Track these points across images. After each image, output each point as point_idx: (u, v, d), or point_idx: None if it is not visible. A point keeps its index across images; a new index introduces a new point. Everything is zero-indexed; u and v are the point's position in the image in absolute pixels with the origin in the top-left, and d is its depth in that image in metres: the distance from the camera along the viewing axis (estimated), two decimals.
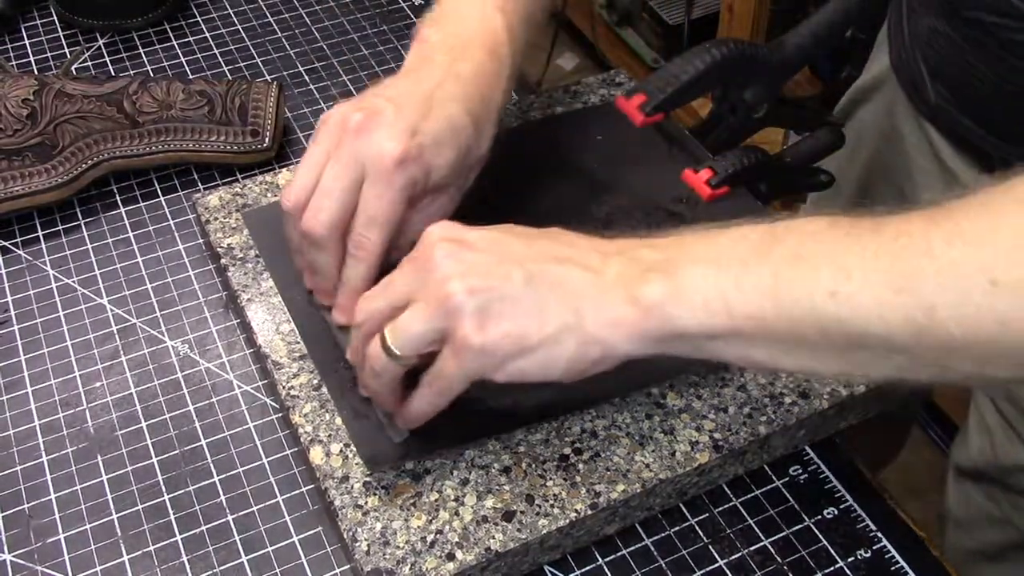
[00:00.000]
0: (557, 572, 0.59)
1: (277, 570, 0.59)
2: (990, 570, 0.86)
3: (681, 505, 0.61)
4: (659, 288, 0.49)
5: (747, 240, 0.49)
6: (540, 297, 0.50)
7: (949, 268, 0.43)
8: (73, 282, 0.74)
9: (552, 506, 0.57)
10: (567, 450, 0.60)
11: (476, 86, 0.62)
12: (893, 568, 0.59)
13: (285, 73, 0.92)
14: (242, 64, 0.93)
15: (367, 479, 0.58)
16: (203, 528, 0.60)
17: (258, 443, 0.64)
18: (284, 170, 0.77)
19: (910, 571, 0.59)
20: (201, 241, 0.77)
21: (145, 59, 0.93)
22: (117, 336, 0.71)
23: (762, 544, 0.60)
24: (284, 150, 0.84)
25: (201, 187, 0.81)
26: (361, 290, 0.59)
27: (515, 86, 0.66)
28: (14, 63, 0.92)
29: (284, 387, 0.63)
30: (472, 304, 0.50)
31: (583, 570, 0.59)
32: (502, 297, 0.50)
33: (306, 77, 0.91)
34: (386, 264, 0.60)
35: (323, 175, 0.59)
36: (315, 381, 0.63)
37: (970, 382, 0.48)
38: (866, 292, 0.45)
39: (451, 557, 0.55)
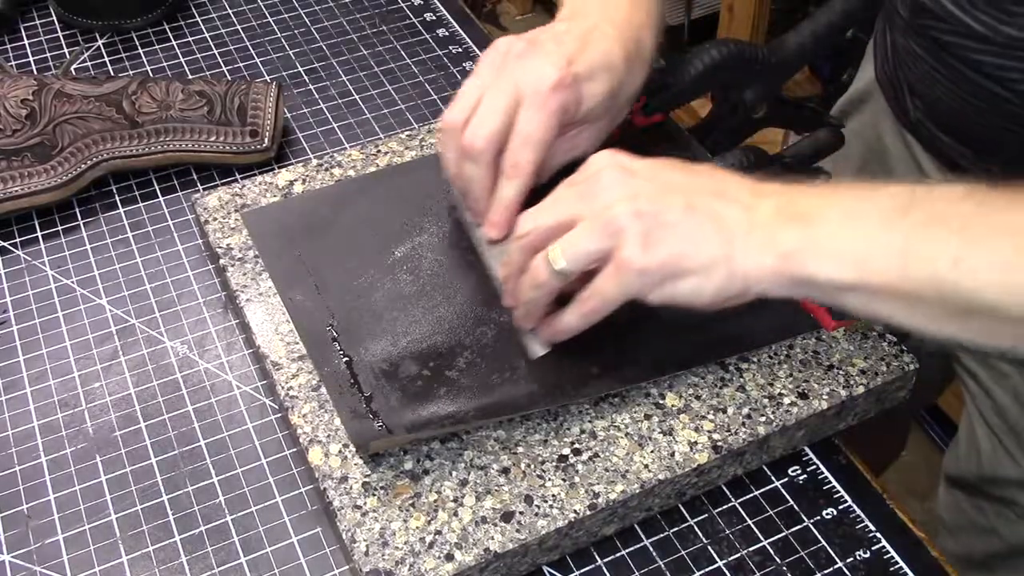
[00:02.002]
0: (556, 573, 0.59)
1: (276, 571, 0.59)
2: None
3: (680, 506, 0.61)
4: (799, 236, 0.52)
5: (889, 200, 0.51)
6: (698, 226, 0.54)
7: None
8: (72, 282, 0.74)
9: (551, 507, 0.57)
10: (566, 450, 0.60)
11: (629, 29, 0.65)
12: (892, 568, 0.59)
13: (284, 73, 0.92)
14: (241, 64, 0.93)
15: (366, 480, 0.58)
16: (202, 529, 0.60)
17: (257, 444, 0.64)
18: (283, 170, 0.77)
19: (909, 572, 0.59)
20: (200, 241, 0.77)
21: (144, 59, 0.93)
22: (116, 336, 0.71)
23: (761, 545, 0.60)
24: (283, 150, 0.84)
25: (200, 187, 0.81)
26: (513, 207, 0.64)
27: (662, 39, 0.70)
28: (13, 63, 0.92)
29: (283, 387, 0.63)
30: (637, 227, 0.53)
31: (582, 571, 0.59)
32: (664, 223, 0.53)
33: (306, 77, 0.91)
34: (535, 187, 0.64)
35: (484, 95, 0.63)
36: (314, 381, 0.63)
37: None
38: (987, 263, 0.47)
39: (450, 558, 0.55)
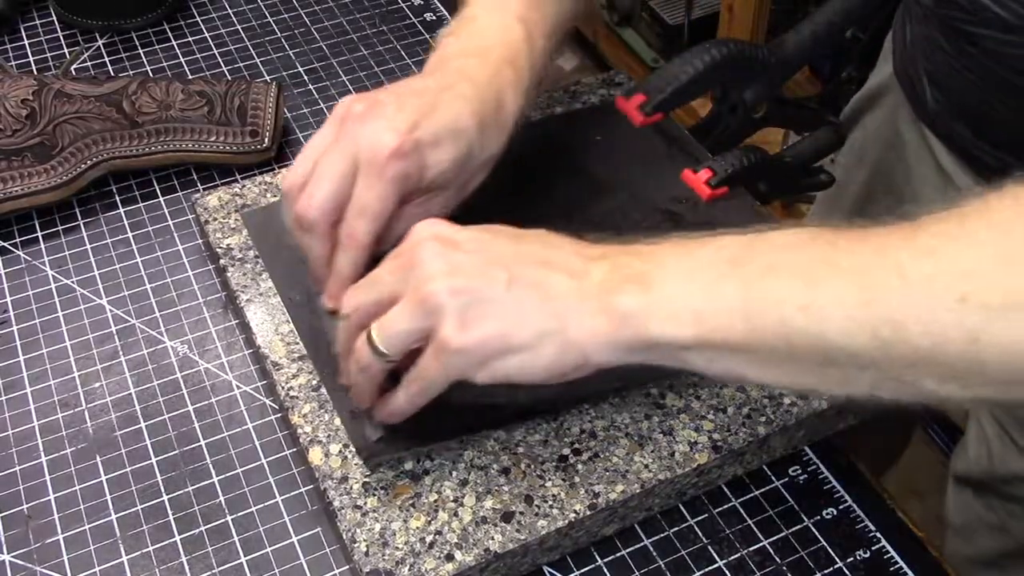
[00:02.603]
0: (556, 573, 0.59)
1: (276, 570, 0.59)
2: None
3: (680, 506, 0.61)
4: (634, 299, 0.50)
5: (724, 251, 0.50)
6: (522, 301, 0.51)
7: (918, 284, 0.44)
8: (72, 282, 0.74)
9: (551, 507, 0.57)
10: (566, 451, 0.60)
11: (489, 91, 0.62)
12: (892, 569, 0.59)
13: (284, 73, 0.92)
14: (241, 64, 0.93)
15: (366, 480, 0.58)
16: (202, 529, 0.60)
17: (257, 444, 0.64)
18: (283, 170, 0.77)
19: (909, 572, 0.59)
20: (200, 241, 0.77)
21: (144, 59, 0.93)
22: (116, 336, 0.71)
23: (761, 544, 0.60)
24: (283, 150, 0.84)
25: (200, 187, 0.81)
26: (350, 278, 0.60)
27: (538, 90, 0.66)
28: (13, 63, 0.92)
29: (283, 387, 0.63)
30: (454, 304, 0.50)
31: (582, 571, 0.59)
32: (484, 299, 0.51)
33: (305, 77, 0.91)
34: (378, 255, 0.60)
35: (320, 160, 0.59)
36: (314, 382, 0.63)
37: (942, 401, 0.49)
38: (834, 306, 0.45)
39: (450, 558, 0.55)
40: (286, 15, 0.98)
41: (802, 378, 0.49)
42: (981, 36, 0.66)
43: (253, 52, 0.94)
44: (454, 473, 0.59)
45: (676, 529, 0.61)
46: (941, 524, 0.91)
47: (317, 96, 0.89)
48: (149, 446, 0.64)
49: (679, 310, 0.49)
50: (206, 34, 0.96)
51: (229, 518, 0.61)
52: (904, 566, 0.59)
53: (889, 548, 0.60)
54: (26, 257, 0.76)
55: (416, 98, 0.60)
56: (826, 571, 0.59)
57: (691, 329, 0.48)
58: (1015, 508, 0.82)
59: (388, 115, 0.59)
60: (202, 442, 0.65)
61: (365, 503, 0.58)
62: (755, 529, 0.60)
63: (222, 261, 0.71)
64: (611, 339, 0.50)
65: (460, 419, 0.60)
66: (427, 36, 0.96)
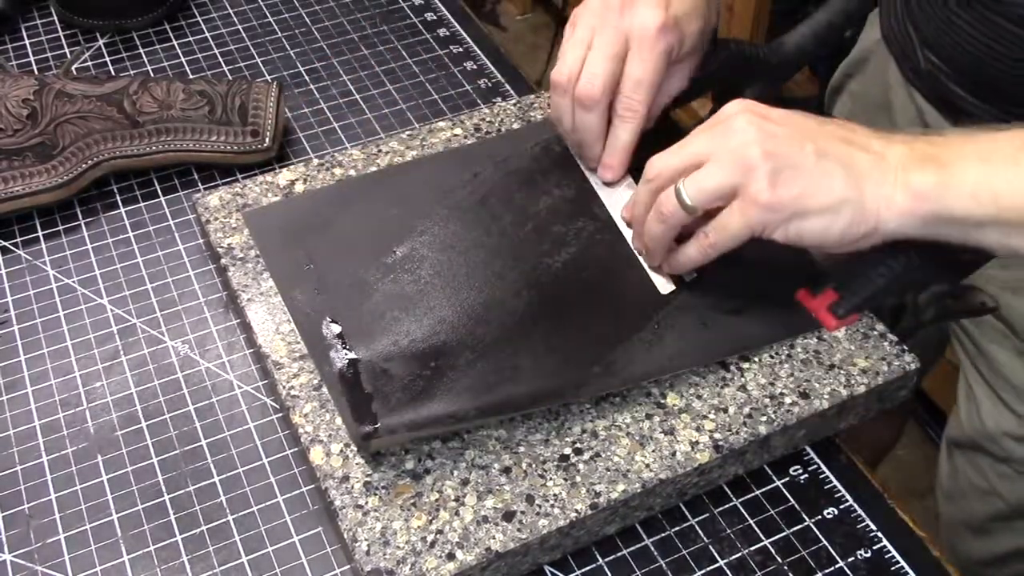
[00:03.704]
0: (557, 572, 0.59)
1: (277, 570, 0.59)
2: (977, 543, 0.87)
3: (681, 505, 0.61)
4: (932, 177, 0.55)
5: (1014, 142, 0.55)
6: (827, 169, 0.56)
7: None
8: (73, 282, 0.74)
9: (552, 506, 0.57)
10: (567, 450, 0.60)
11: None
12: (893, 568, 0.59)
13: (285, 73, 0.92)
14: (242, 64, 0.93)
15: (367, 479, 0.58)
16: (203, 528, 0.60)
17: (258, 443, 0.64)
18: (284, 170, 0.77)
19: (910, 571, 0.59)
20: (201, 241, 0.77)
21: (145, 59, 0.93)
22: (117, 336, 0.71)
23: (762, 544, 0.60)
24: (284, 150, 0.84)
25: (201, 187, 0.81)
26: (630, 149, 0.69)
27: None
28: (14, 63, 0.92)
29: (284, 387, 0.63)
30: (767, 165, 0.56)
31: (583, 570, 0.59)
32: (794, 165, 0.56)
33: (306, 77, 0.91)
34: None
35: (592, 47, 0.67)
36: (315, 381, 0.63)
37: None
38: None
39: (451, 557, 0.55)
40: (287, 15, 0.99)
41: None
42: None
43: (254, 52, 0.94)
44: (455, 472, 0.59)
45: (677, 528, 0.61)
46: (940, 520, 0.92)
47: (318, 96, 0.89)
48: (150, 446, 0.64)
49: (977, 189, 0.54)
50: (207, 34, 0.96)
51: (230, 518, 0.61)
52: (905, 566, 0.59)
53: (890, 548, 0.60)
54: (27, 257, 0.76)
55: None
56: (827, 571, 0.59)
57: (988, 207, 0.54)
58: (1004, 469, 0.83)
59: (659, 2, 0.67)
60: (203, 442, 0.65)
61: (366, 502, 0.58)
62: (756, 529, 0.60)
63: (223, 261, 0.71)
64: (908, 211, 0.56)
65: (458, 404, 0.60)
66: (427, 36, 0.96)
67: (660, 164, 0.62)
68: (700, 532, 0.60)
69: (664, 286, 0.66)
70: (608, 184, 0.72)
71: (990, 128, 0.57)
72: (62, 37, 0.95)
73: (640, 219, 0.64)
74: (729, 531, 0.60)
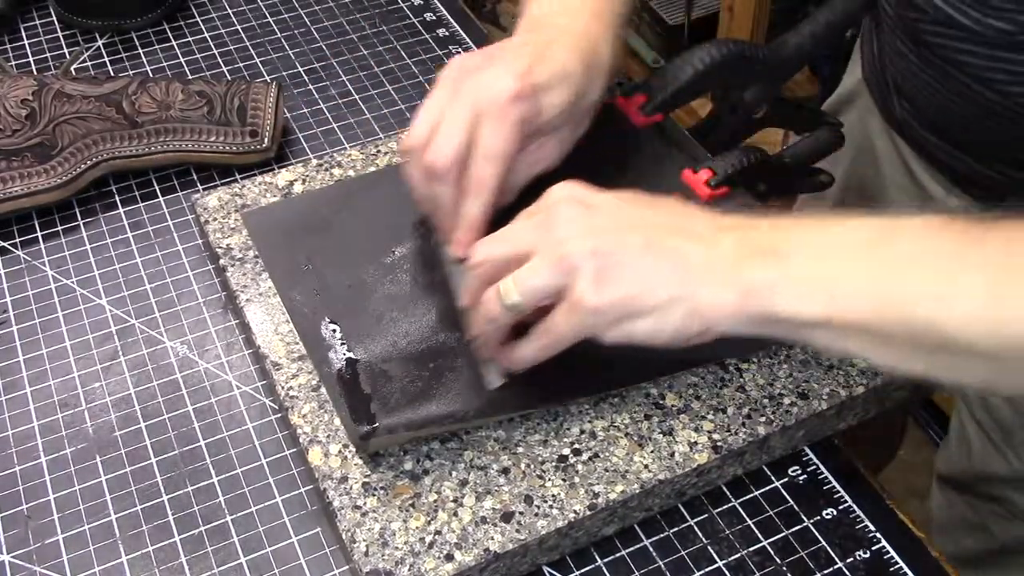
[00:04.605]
0: (556, 573, 0.59)
1: (276, 571, 0.59)
2: None
3: (680, 506, 0.61)
4: (764, 273, 0.51)
5: (859, 233, 0.51)
6: (655, 265, 0.53)
7: None
8: (72, 282, 0.74)
9: (551, 507, 0.57)
10: (566, 451, 0.60)
11: (586, 40, 0.65)
12: (892, 569, 0.59)
13: (284, 73, 0.92)
14: (241, 64, 0.93)
15: (366, 480, 0.58)
16: (202, 529, 0.60)
17: (257, 444, 0.64)
18: (283, 170, 0.77)
19: (909, 572, 0.59)
20: (200, 241, 0.77)
21: (144, 59, 0.93)
22: (116, 336, 0.71)
23: (761, 545, 0.60)
24: (283, 150, 0.84)
25: (200, 187, 0.81)
26: (477, 224, 0.63)
27: (619, 54, 0.70)
28: (13, 63, 0.92)
29: (283, 388, 0.63)
30: (591, 265, 0.52)
31: (582, 571, 0.59)
32: (619, 262, 0.53)
33: (305, 77, 0.91)
34: (497, 208, 0.63)
35: (444, 114, 0.62)
36: (314, 382, 0.63)
37: None
38: (964, 299, 0.46)
39: (450, 558, 0.55)
40: (286, 15, 0.98)
41: (917, 365, 0.50)
42: (941, 46, 0.67)
43: (253, 52, 0.94)
44: (454, 473, 0.59)
45: (676, 529, 0.61)
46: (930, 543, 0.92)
47: (317, 96, 0.89)
48: (149, 446, 0.64)
49: (811, 288, 0.50)
50: (206, 34, 0.96)
51: (229, 518, 0.61)
52: (904, 566, 0.59)
53: (889, 548, 0.60)
54: (26, 257, 0.76)
55: (526, 48, 0.64)
56: (826, 571, 0.59)
57: (821, 308, 0.49)
58: (996, 508, 0.82)
59: (504, 63, 0.63)
60: (202, 442, 0.65)
61: (365, 503, 0.58)
62: (755, 529, 0.60)
63: (222, 261, 0.71)
64: (737, 311, 0.51)
65: (457, 404, 0.60)
66: (427, 36, 0.96)
67: (485, 252, 0.57)
68: (699, 533, 0.60)
69: (494, 380, 0.61)
70: (458, 261, 0.64)
71: (842, 215, 0.52)
72: (61, 37, 0.95)
73: (472, 308, 0.59)
74: (728, 532, 0.60)
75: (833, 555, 0.59)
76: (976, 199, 0.76)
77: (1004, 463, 0.80)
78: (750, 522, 0.61)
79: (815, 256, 0.50)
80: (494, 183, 0.62)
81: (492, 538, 0.56)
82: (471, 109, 0.62)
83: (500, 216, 0.61)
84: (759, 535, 0.60)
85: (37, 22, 0.97)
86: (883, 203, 0.85)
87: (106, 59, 0.93)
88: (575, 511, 0.57)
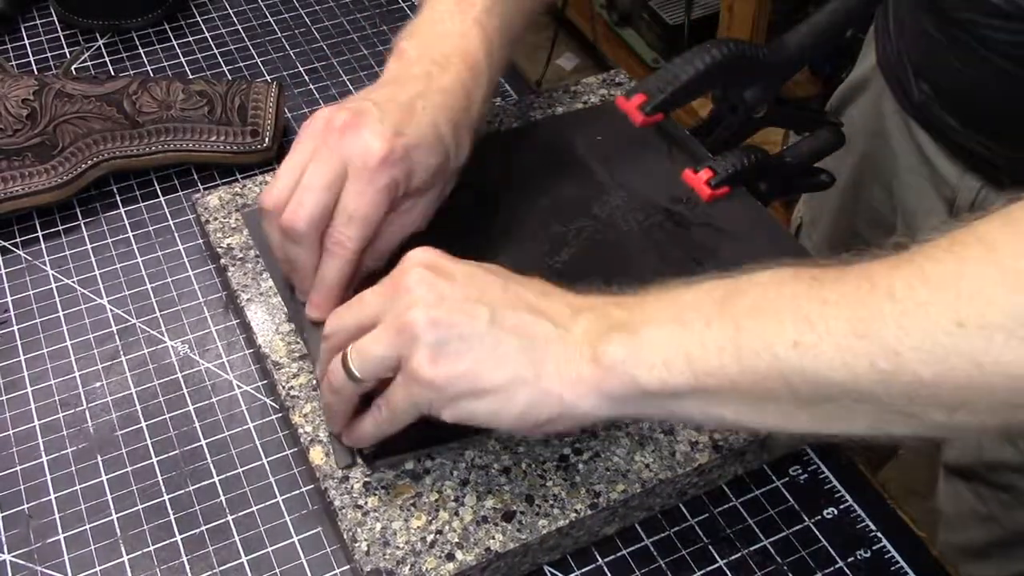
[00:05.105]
0: (557, 572, 0.59)
1: (277, 570, 0.59)
2: (977, 568, 0.87)
3: (681, 505, 0.61)
4: (620, 348, 0.48)
5: (710, 296, 0.48)
6: (500, 343, 0.50)
7: (913, 311, 0.42)
8: (73, 282, 0.74)
9: (552, 506, 0.57)
10: (567, 450, 0.60)
11: (456, 98, 0.63)
12: (893, 568, 0.59)
13: (285, 73, 0.92)
14: (242, 64, 0.93)
15: (367, 479, 0.58)
16: (203, 528, 0.60)
17: (258, 443, 0.64)
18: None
19: (910, 571, 0.59)
20: (201, 241, 0.77)
21: (145, 59, 0.93)
22: (117, 336, 0.71)
23: (762, 544, 0.60)
24: (284, 150, 0.83)
25: (201, 187, 0.81)
26: (336, 288, 0.61)
27: (494, 96, 0.68)
28: (14, 63, 0.92)
29: (284, 387, 0.63)
30: (431, 336, 0.50)
31: (583, 570, 0.59)
32: (462, 336, 0.50)
33: (306, 77, 0.91)
34: (364, 273, 0.61)
35: (306, 172, 0.60)
36: (315, 381, 0.63)
37: (944, 432, 0.47)
38: (829, 340, 0.44)
39: (451, 557, 0.55)
40: (286, 15, 0.99)
41: (799, 419, 0.47)
42: (972, 23, 0.66)
43: (253, 52, 0.94)
44: (455, 472, 0.59)
45: (677, 529, 0.61)
46: (934, 519, 0.92)
47: (317, 96, 0.89)
48: (150, 446, 0.64)
49: (669, 356, 0.47)
50: (207, 34, 0.96)
51: (230, 518, 0.61)
52: (905, 566, 0.59)
53: (890, 548, 0.60)
54: (27, 257, 0.76)
55: (394, 105, 0.61)
56: (827, 571, 0.59)
57: (683, 375, 0.47)
58: (1004, 497, 0.82)
59: (374, 121, 0.60)
60: (203, 442, 0.65)
61: (366, 502, 0.58)
62: (756, 529, 0.60)
63: (223, 261, 0.71)
64: (596, 389, 0.49)
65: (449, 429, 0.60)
66: None
67: (335, 322, 0.55)
68: (700, 532, 0.60)
69: (342, 458, 0.59)
70: (316, 324, 0.62)
71: (693, 281, 0.50)
72: (62, 37, 0.95)
73: (321, 380, 0.57)
74: (729, 531, 0.60)
75: (834, 554, 0.59)
76: (990, 182, 0.76)
77: (1014, 451, 0.80)
78: (751, 521, 0.61)
79: (669, 324, 0.48)
80: (355, 246, 0.60)
81: (493, 537, 0.56)
82: (336, 169, 0.59)
83: (365, 282, 0.59)
84: (760, 534, 0.60)
85: (38, 22, 0.97)
86: (897, 186, 0.85)
87: (107, 59, 0.93)
88: (576, 510, 0.57)
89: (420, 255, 0.53)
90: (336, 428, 0.58)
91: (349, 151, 0.59)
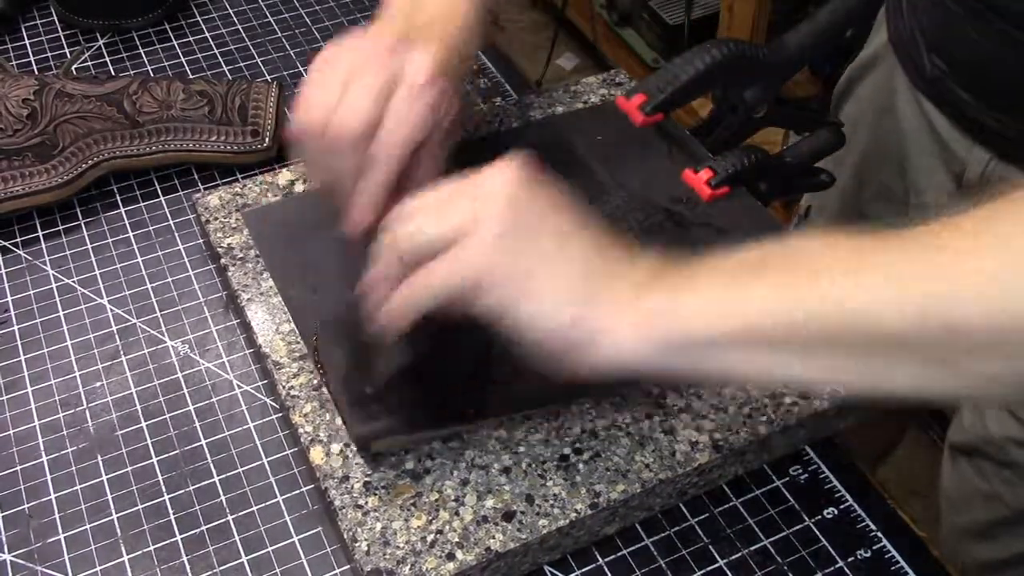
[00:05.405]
0: (557, 572, 0.59)
1: (277, 570, 0.59)
2: (980, 548, 0.87)
3: (681, 505, 0.61)
4: (672, 294, 0.49)
5: (759, 253, 0.49)
6: (565, 261, 0.50)
7: (963, 260, 0.44)
8: (73, 282, 0.74)
9: (552, 506, 0.57)
10: (567, 450, 0.60)
11: (453, 54, 0.65)
12: (893, 568, 0.59)
13: (285, 73, 0.92)
14: (242, 64, 0.93)
15: (367, 479, 0.58)
16: (203, 528, 0.60)
17: (258, 443, 0.64)
18: (284, 170, 0.77)
19: (910, 571, 0.59)
20: (201, 241, 0.77)
21: (145, 59, 0.93)
22: (117, 336, 0.71)
23: (762, 544, 0.60)
24: (284, 150, 0.84)
25: (201, 187, 0.81)
26: (378, 196, 0.61)
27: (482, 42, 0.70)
28: (14, 63, 0.92)
29: (284, 387, 0.63)
30: (498, 227, 0.50)
31: (583, 570, 0.59)
32: (530, 239, 0.50)
33: (306, 77, 0.91)
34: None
35: (353, 84, 0.60)
36: (315, 381, 0.63)
37: (986, 388, 0.48)
38: (878, 290, 0.45)
39: (451, 557, 0.55)
40: (287, 15, 0.99)
41: (846, 371, 0.48)
42: None
43: (254, 52, 0.94)
44: (455, 472, 0.59)
45: (677, 528, 0.61)
46: (940, 519, 0.92)
47: None
48: (150, 445, 0.64)
49: (717, 308, 0.48)
50: (207, 34, 0.96)
51: (230, 517, 0.61)
52: (905, 565, 0.59)
53: (890, 548, 0.60)
54: (27, 257, 0.76)
55: (428, 34, 0.63)
56: (827, 571, 0.59)
57: (732, 321, 0.48)
58: (1008, 474, 0.83)
59: (423, 44, 0.62)
60: (203, 441, 0.65)
61: (366, 502, 0.58)
62: (756, 529, 0.60)
63: (223, 260, 0.71)
64: (642, 330, 0.49)
65: (453, 407, 0.60)
66: None
67: (414, 202, 0.54)
68: (700, 532, 0.60)
69: (354, 428, 0.59)
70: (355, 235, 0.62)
71: (739, 252, 0.50)
72: (62, 37, 0.95)
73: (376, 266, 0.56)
74: (729, 531, 0.60)
75: (834, 554, 0.59)
76: (1000, 156, 0.76)
77: (1019, 427, 0.80)
78: (751, 521, 0.61)
79: (718, 278, 0.49)
80: (400, 157, 0.60)
81: (493, 537, 0.56)
82: (386, 83, 0.60)
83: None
84: (760, 534, 0.60)
85: (38, 22, 0.97)
86: (908, 163, 0.85)
87: (107, 59, 0.93)
88: (576, 510, 0.57)
89: (510, 163, 0.53)
90: (381, 292, 0.55)
91: (401, 66, 0.61)
